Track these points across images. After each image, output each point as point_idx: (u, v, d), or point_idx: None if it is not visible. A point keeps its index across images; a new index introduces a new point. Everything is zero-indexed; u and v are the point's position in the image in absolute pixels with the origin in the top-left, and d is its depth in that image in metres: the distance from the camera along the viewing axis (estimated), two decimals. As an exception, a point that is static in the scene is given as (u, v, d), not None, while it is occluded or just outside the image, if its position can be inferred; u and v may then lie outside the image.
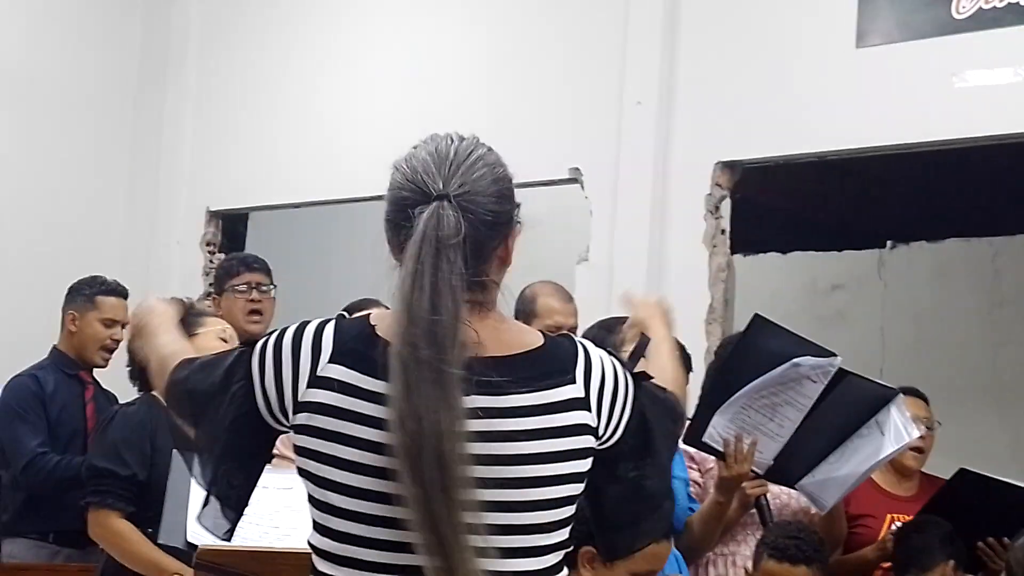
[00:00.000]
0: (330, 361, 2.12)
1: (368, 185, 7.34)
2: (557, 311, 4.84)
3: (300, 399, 2.13)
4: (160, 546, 3.80)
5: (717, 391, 4.10)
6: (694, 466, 4.28)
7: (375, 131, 7.33)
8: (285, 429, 2.18)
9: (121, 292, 5.43)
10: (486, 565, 1.98)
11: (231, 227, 8.47)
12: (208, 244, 8.25)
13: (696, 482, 4.28)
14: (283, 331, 2.20)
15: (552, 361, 2.17)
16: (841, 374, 4.04)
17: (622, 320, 4.24)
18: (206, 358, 2.34)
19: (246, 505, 2.27)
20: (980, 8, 5.52)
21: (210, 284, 8.01)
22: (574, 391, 2.16)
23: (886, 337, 8.60)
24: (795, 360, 3.94)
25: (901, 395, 4.23)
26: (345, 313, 2.28)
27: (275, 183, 7.94)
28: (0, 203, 7.98)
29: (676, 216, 6.32)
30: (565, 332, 2.28)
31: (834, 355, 4.01)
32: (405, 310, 2.02)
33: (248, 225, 8.80)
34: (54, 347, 5.43)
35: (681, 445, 4.20)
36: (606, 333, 4.13)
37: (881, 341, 8.56)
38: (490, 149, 2.45)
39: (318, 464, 2.11)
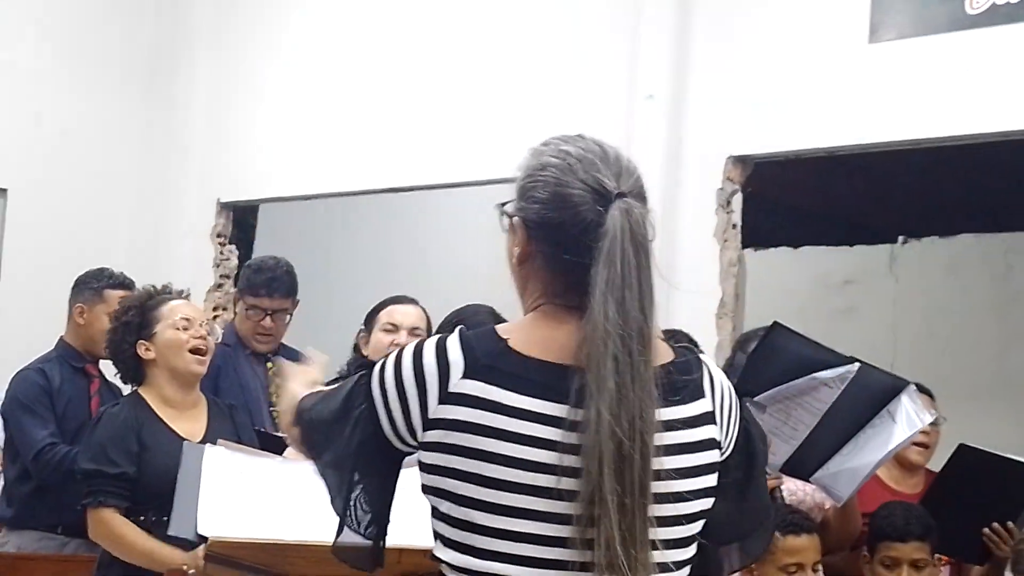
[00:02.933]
0: (464, 377, 2.08)
1: (380, 177, 7.41)
2: None
3: (431, 416, 2.09)
4: (170, 538, 3.80)
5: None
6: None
7: (386, 123, 7.33)
8: (411, 449, 2.15)
9: (128, 285, 5.41)
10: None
11: (242, 218, 8.47)
12: (219, 236, 8.25)
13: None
14: (401, 351, 2.17)
15: (687, 374, 2.17)
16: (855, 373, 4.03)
17: None
18: (328, 390, 2.33)
19: (386, 527, 2.25)
20: (993, 3, 5.50)
21: (222, 276, 8.04)
22: (706, 405, 2.16)
23: (897, 332, 8.59)
24: (814, 375, 3.94)
25: (913, 385, 4.22)
26: (463, 326, 2.23)
27: (286, 175, 7.94)
28: (10, 195, 8.00)
29: (687, 210, 6.30)
30: (684, 345, 2.27)
31: (851, 362, 3.99)
32: (618, 310, 2.02)
33: (259, 216, 8.81)
34: (61, 339, 5.43)
35: None
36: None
37: (892, 336, 8.54)
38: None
39: (455, 481, 2.07)
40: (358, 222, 9.27)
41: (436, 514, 2.13)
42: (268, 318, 5.39)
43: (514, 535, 2.05)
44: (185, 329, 4.24)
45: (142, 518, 4.02)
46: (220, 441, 3.92)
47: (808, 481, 4.24)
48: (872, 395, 4.09)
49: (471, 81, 7.13)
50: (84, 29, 8.30)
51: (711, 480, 2.15)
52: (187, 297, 4.49)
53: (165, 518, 3.91)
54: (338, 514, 2.24)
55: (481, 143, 6.95)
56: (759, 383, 3.99)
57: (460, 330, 2.18)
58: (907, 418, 4.07)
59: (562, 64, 6.81)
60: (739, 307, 6.34)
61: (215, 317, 7.88)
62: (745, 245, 6.44)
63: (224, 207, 8.27)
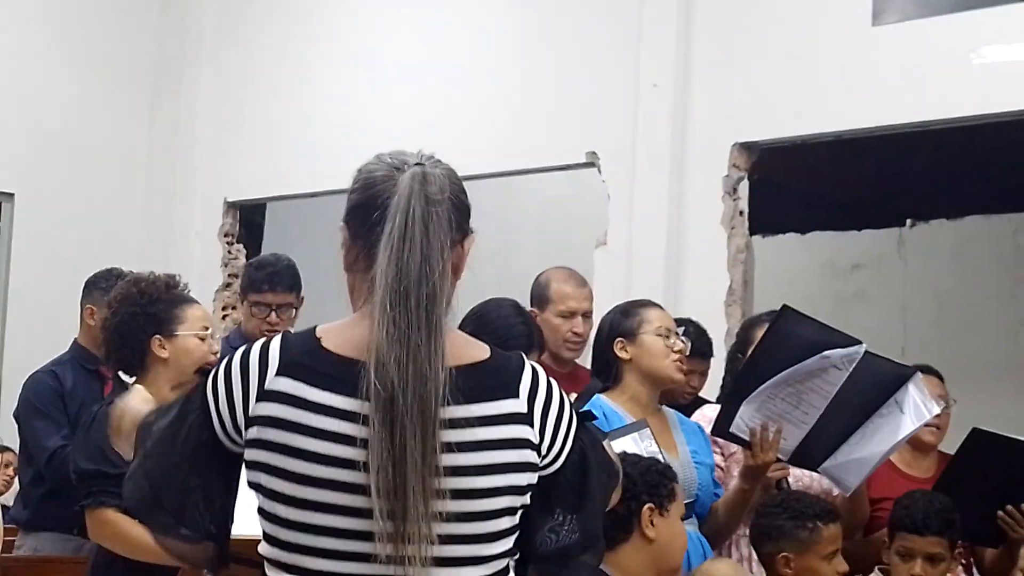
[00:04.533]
0: (277, 374, 2.11)
1: (385, 173, 7.41)
2: (571, 296, 4.82)
3: (251, 414, 2.12)
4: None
5: (745, 382, 4.08)
6: (717, 450, 4.27)
7: (392, 118, 7.32)
8: (241, 449, 2.16)
9: None
10: (440, 530, 2.02)
11: (249, 217, 8.48)
12: (226, 235, 8.26)
13: (719, 466, 4.27)
14: (232, 354, 2.20)
15: (496, 375, 2.16)
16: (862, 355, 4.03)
17: (642, 303, 4.24)
18: (169, 402, 2.36)
19: (227, 527, 2.28)
20: (996, -16, 5.50)
21: (230, 275, 8.04)
22: (516, 405, 2.14)
23: (907, 316, 8.58)
24: (824, 353, 3.93)
25: (919, 373, 4.21)
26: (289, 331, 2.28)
27: (292, 173, 7.94)
28: (17, 200, 8.01)
29: (694, 198, 6.30)
30: (518, 354, 2.25)
31: (859, 343, 3.99)
32: (393, 263, 2.03)
33: (266, 215, 8.81)
34: (74, 341, 5.43)
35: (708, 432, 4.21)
36: (623, 317, 4.13)
37: (902, 320, 8.54)
38: None
39: (267, 476, 2.11)
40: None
41: (258, 510, 2.16)
42: (273, 313, 5.37)
43: (318, 529, 2.07)
44: (205, 340, 4.16)
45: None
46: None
47: (816, 472, 4.24)
48: (879, 384, 4.09)
49: (477, 75, 7.13)
50: (90, 32, 8.32)
51: (522, 478, 2.14)
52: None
53: None
54: (146, 516, 2.32)
55: (491, 135, 6.95)
56: (770, 366, 4.00)
57: (286, 331, 2.25)
58: (915, 408, 4.07)
59: (567, 55, 6.80)
60: (748, 294, 6.34)
61: (224, 316, 7.90)
62: (752, 232, 6.44)
63: (231, 206, 8.28)
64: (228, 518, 2.27)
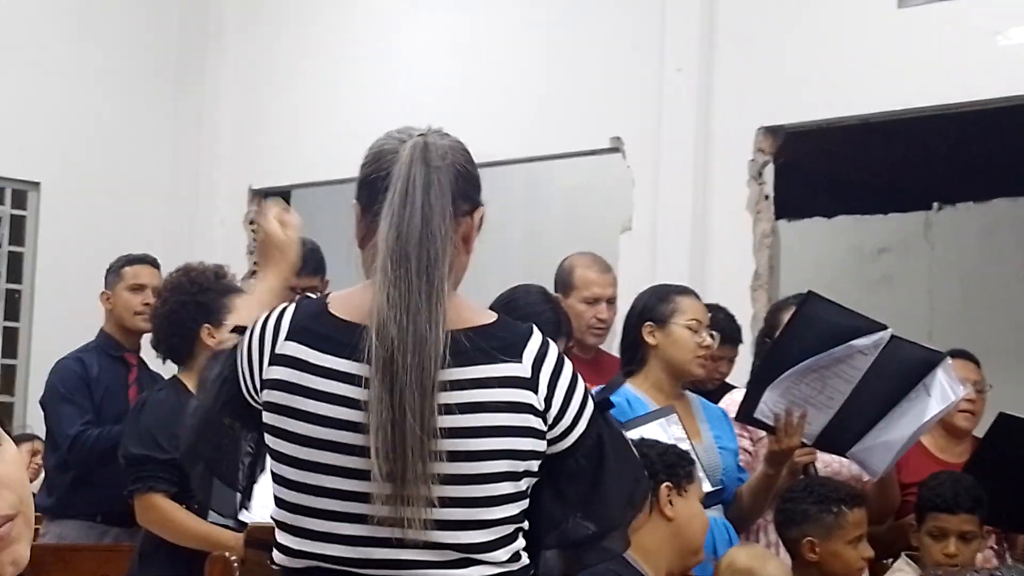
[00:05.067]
0: (286, 339, 2.16)
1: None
2: (595, 282, 4.79)
3: (264, 377, 2.17)
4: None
5: (769, 367, 4.07)
6: (745, 435, 4.26)
7: (415, 105, 7.31)
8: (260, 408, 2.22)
9: (145, 259, 5.42)
10: (439, 492, 2.04)
11: (274, 205, 8.48)
12: (251, 223, 8.27)
13: (747, 450, 4.25)
14: (259, 316, 2.25)
15: (498, 339, 2.16)
16: (888, 339, 4.01)
17: (678, 290, 4.21)
18: (222, 351, 2.41)
19: (250, 479, 2.36)
20: (1023, -36, 5.46)
21: (255, 263, 8.05)
22: (517, 369, 2.14)
23: (934, 299, 8.55)
24: (850, 343, 3.92)
25: (948, 358, 4.18)
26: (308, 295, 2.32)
27: (317, 159, 7.94)
28: (44, 189, 8.05)
29: (719, 183, 6.28)
30: (530, 324, 2.26)
31: (884, 327, 3.97)
32: (394, 226, 2.05)
33: (291, 202, 8.82)
34: (101, 330, 5.45)
35: (734, 418, 4.19)
36: (657, 301, 4.11)
37: (929, 304, 8.50)
38: None
39: (274, 439, 2.16)
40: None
41: (271, 473, 2.21)
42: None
43: (319, 490, 2.11)
44: None
45: (189, 505, 4.00)
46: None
47: (844, 456, 4.23)
48: (907, 369, 4.07)
49: (503, 60, 7.12)
50: (113, 21, 8.34)
51: (522, 443, 2.13)
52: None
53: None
54: (187, 464, 2.44)
55: (515, 121, 6.94)
56: (795, 352, 3.98)
57: (300, 298, 2.27)
58: (942, 391, 4.05)
59: (591, 40, 6.79)
60: (774, 279, 6.32)
61: (250, 304, 7.90)
62: (778, 216, 6.42)
63: (256, 194, 8.29)
64: (255, 472, 2.34)
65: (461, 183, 2.15)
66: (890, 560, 4.31)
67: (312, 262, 5.43)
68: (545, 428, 2.15)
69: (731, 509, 4.04)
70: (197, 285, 4.20)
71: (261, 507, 3.46)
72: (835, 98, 5.99)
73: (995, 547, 4.55)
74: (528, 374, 2.14)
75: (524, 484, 2.16)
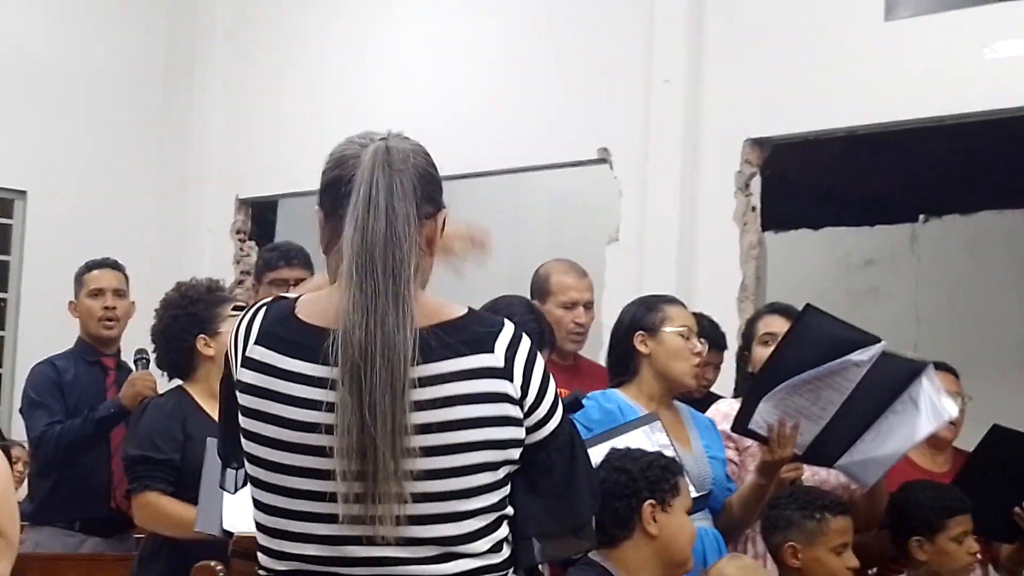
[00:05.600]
0: (255, 342, 2.18)
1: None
2: (572, 287, 4.82)
3: (237, 378, 2.20)
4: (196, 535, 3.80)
5: (767, 379, 4.08)
6: (731, 444, 4.26)
7: (404, 116, 7.29)
8: None
9: (104, 263, 5.46)
10: (413, 488, 2.05)
11: (261, 215, 8.49)
12: (238, 232, 8.27)
13: (732, 461, 4.26)
14: (239, 318, 2.27)
15: (468, 331, 2.16)
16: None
17: (662, 299, 4.22)
18: None
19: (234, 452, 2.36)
20: (1009, -22, 5.48)
21: (242, 272, 8.05)
22: (490, 360, 2.14)
23: (920, 311, 8.56)
24: (847, 357, 3.93)
25: (932, 366, 4.19)
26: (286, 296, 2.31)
27: (304, 170, 7.86)
28: (30, 197, 8.03)
29: (706, 194, 6.30)
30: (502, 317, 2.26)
31: (878, 340, 3.99)
32: (358, 230, 2.06)
33: (278, 212, 8.82)
34: (78, 336, 5.48)
35: (722, 428, 4.20)
36: (646, 311, 4.11)
37: (915, 315, 8.51)
38: None
39: (248, 442, 2.18)
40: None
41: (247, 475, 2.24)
42: (291, 289, 5.39)
43: (291, 492, 2.13)
44: None
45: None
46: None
47: (832, 468, 4.23)
48: (892, 380, 4.08)
49: (490, 71, 7.13)
50: (101, 30, 8.33)
51: (499, 432, 2.14)
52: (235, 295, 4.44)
53: None
54: (220, 456, 2.46)
55: (502, 132, 6.95)
56: (793, 364, 3.99)
57: (272, 299, 2.27)
58: (932, 408, 4.06)
59: (578, 51, 6.80)
60: (760, 290, 6.33)
61: (237, 313, 7.90)
62: (765, 228, 6.43)
63: (243, 203, 8.29)
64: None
65: (424, 186, 2.16)
66: (874, 570, 4.32)
67: (302, 255, 5.46)
68: (522, 416, 2.17)
69: (720, 518, 4.05)
70: (188, 298, 4.26)
71: (246, 518, 3.50)
72: (822, 110, 6.01)
73: (979, 558, 4.57)
74: (501, 364, 2.15)
75: (503, 473, 2.17)
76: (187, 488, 3.98)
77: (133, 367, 4.98)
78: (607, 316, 4.66)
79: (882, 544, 4.33)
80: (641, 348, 4.04)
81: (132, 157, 8.40)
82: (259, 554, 2.23)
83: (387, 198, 2.07)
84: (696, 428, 4.11)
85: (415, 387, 2.06)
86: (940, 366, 4.54)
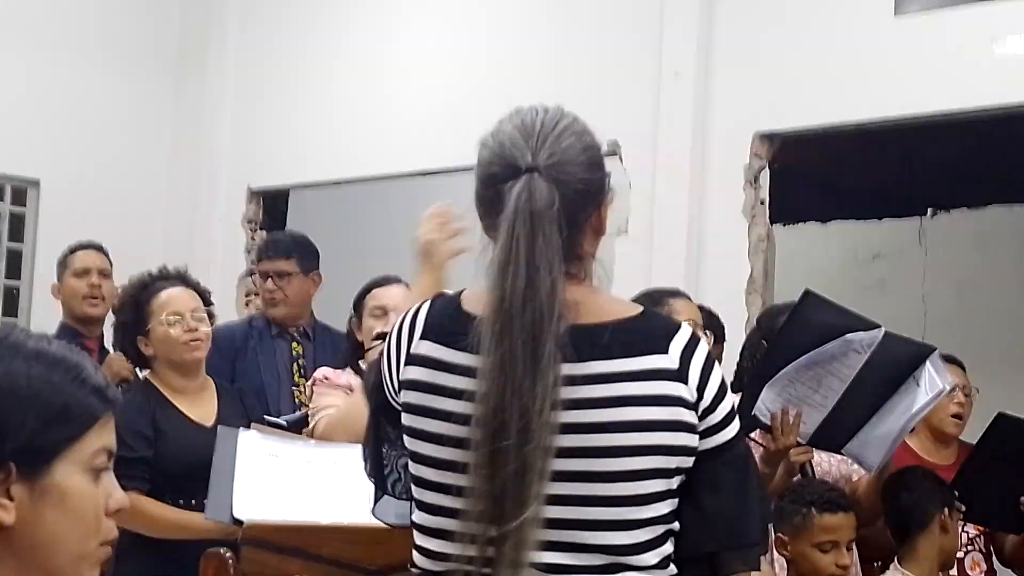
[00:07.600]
0: (421, 338, 2.15)
1: (409, 161, 7.43)
2: None
3: (401, 378, 2.17)
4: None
5: (767, 366, 4.09)
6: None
7: (415, 107, 7.35)
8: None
9: (89, 245, 5.52)
10: (570, 491, 2.01)
11: (272, 205, 8.51)
12: (249, 222, 8.30)
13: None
14: (399, 318, 2.25)
15: (645, 331, 2.12)
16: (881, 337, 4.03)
17: (670, 292, 4.24)
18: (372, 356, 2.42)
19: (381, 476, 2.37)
20: (1019, -27, 5.49)
21: (252, 262, 8.09)
22: (664, 361, 2.08)
23: (928, 305, 8.56)
24: (846, 337, 3.94)
25: (937, 350, 4.20)
26: (447, 292, 2.29)
27: (316, 161, 7.97)
28: (43, 186, 8.07)
29: (715, 187, 6.31)
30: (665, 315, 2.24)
31: (878, 326, 4.00)
32: (499, 286, 2.00)
33: (289, 203, 8.84)
34: (60, 322, 5.53)
35: None
36: (652, 304, 4.13)
37: (922, 309, 8.52)
38: (576, 118, 2.36)
39: (412, 439, 2.15)
40: (389, 206, 9.29)
41: (410, 475, 2.20)
42: (270, 280, 5.42)
43: (456, 490, 2.05)
44: (174, 324, 4.22)
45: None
46: (253, 425, 3.95)
47: (839, 453, 4.24)
48: (898, 364, 4.09)
49: (501, 64, 7.14)
50: (113, 19, 8.36)
51: (672, 438, 2.07)
52: (183, 275, 4.42)
53: (181, 501, 4.02)
54: (367, 475, 2.38)
55: (510, 124, 6.95)
56: (792, 350, 4.00)
57: (436, 296, 2.25)
58: (930, 381, 4.07)
59: (589, 44, 6.81)
60: (768, 283, 6.35)
61: (247, 303, 7.93)
62: (773, 221, 6.44)
63: (254, 194, 8.32)
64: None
65: (579, 199, 2.11)
66: (878, 564, 4.33)
67: (284, 245, 5.48)
68: (697, 422, 2.09)
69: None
70: (123, 304, 4.36)
71: (258, 506, 3.53)
72: (831, 105, 6.02)
73: (983, 551, 4.58)
74: (676, 365, 2.09)
75: (676, 482, 2.10)
76: (160, 484, 4.04)
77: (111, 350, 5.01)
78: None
79: (884, 537, 4.35)
80: None
81: (145, 147, 8.44)
82: (415, 554, 2.18)
83: (528, 254, 2.00)
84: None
85: (576, 384, 2.01)
86: (947, 359, 4.55)
